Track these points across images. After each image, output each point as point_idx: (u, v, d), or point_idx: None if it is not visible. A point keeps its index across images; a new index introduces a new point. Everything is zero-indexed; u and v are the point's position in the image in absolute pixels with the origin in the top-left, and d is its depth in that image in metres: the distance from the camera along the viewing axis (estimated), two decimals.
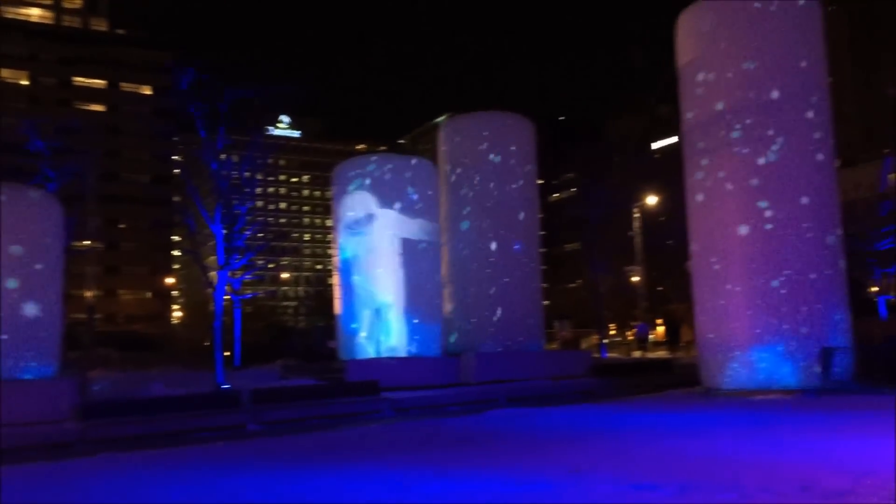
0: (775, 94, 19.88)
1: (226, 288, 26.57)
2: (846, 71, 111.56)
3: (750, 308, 19.50)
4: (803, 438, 10.99)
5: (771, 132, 19.76)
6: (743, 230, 19.81)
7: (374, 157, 27.23)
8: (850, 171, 69.08)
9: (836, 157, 21.35)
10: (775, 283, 19.35)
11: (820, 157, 20.11)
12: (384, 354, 25.01)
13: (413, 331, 25.47)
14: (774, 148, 19.75)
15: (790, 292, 19.27)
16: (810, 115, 20.06)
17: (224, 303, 26.52)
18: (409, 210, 25.99)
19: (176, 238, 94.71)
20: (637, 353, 44.39)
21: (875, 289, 37.83)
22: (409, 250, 25.76)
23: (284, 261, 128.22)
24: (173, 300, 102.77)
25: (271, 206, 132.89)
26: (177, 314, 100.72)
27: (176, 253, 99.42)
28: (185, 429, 16.13)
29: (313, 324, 70.27)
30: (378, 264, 25.52)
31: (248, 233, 27.83)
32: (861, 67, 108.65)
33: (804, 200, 19.64)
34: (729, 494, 7.24)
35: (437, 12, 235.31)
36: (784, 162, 19.68)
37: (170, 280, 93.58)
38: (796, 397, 17.82)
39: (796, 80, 20.04)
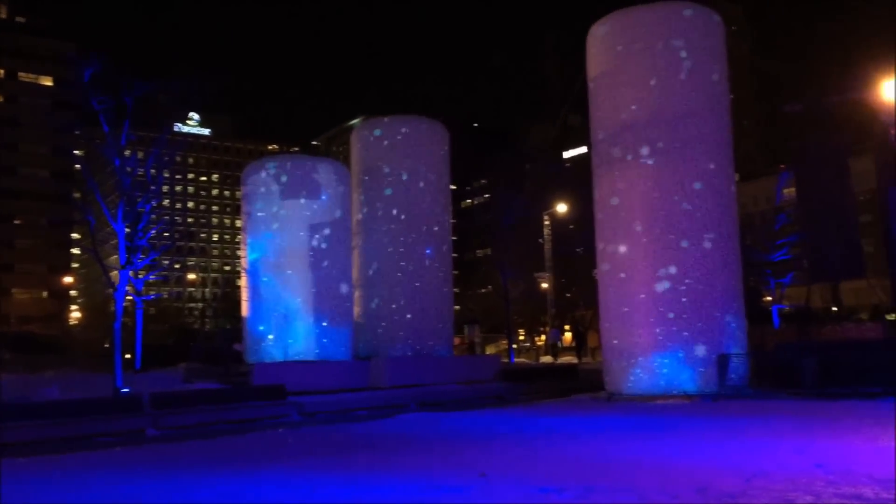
0: (679, 109, 20.57)
1: (127, 288, 25.71)
2: (746, 87, 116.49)
3: (653, 315, 20.09)
4: (700, 442, 11.38)
5: (675, 145, 20.43)
6: (647, 240, 20.39)
7: (285, 158, 26.85)
8: (748, 185, 72.17)
9: (736, 170, 22.24)
10: (677, 292, 20.00)
11: (721, 169, 20.90)
12: (292, 358, 24.65)
13: (322, 334, 25.21)
14: (678, 160, 20.42)
15: (691, 300, 19.94)
16: (712, 129, 20.83)
17: (126, 304, 25.65)
18: (319, 212, 25.73)
19: (76, 236, 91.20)
20: (547, 359, 45.12)
21: (769, 298, 39.56)
22: (319, 253, 25.51)
23: (191, 261, 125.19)
24: (71, 300, 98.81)
25: (178, 205, 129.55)
26: (75, 315, 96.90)
27: (75, 251, 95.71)
28: (81, 434, 15.50)
29: (219, 326, 68.75)
30: (287, 266, 25.18)
31: (152, 232, 27.04)
32: (760, 84, 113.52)
33: (706, 212, 20.36)
34: (628, 496, 7.43)
35: (354, 14, 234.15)
36: (687, 174, 20.37)
37: (68, 279, 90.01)
38: (695, 402, 18.45)
39: (700, 95, 20.78)
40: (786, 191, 45.10)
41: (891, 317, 28.00)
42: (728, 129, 21.53)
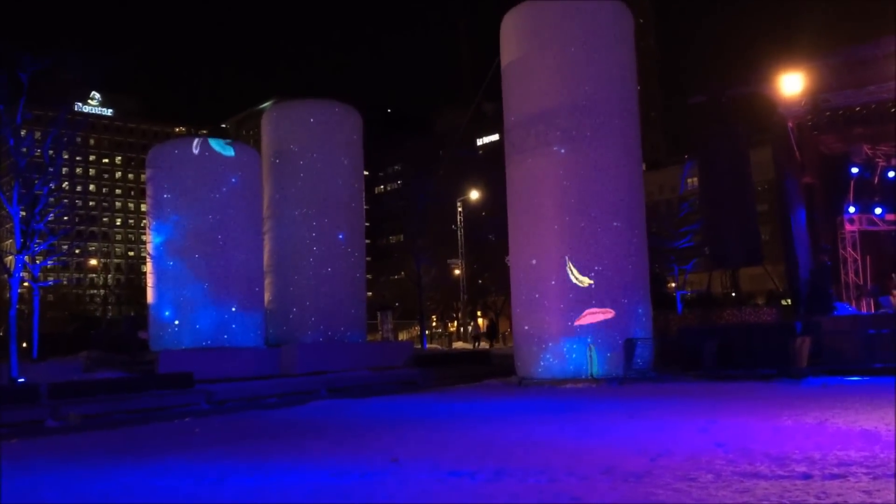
0: (589, 98, 20.95)
1: (23, 274, 24.54)
2: (653, 79, 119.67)
3: (563, 301, 20.46)
4: (607, 423, 11.67)
5: (586, 134, 20.80)
6: (558, 227, 20.73)
7: (193, 140, 26.06)
8: (654, 174, 74.27)
9: (643, 160, 22.83)
10: (587, 278, 20.41)
11: (629, 159, 21.42)
12: (200, 345, 24.07)
13: (231, 320, 24.70)
14: (588, 149, 20.81)
15: (599, 287, 20.40)
16: (621, 119, 21.31)
17: (22, 290, 24.49)
18: (228, 196, 25.16)
19: None
20: (470, 347, 45.58)
21: (673, 284, 40.84)
22: (228, 237, 24.95)
23: (92, 246, 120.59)
24: None
25: (78, 188, 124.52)
26: None
27: None
28: None
29: (123, 313, 66.51)
30: (194, 250, 24.55)
31: (50, 216, 25.83)
32: (666, 76, 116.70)
33: (614, 200, 20.83)
34: (539, 478, 7.54)
35: None
36: (597, 162, 20.79)
37: None
38: (602, 385, 18.92)
39: (609, 86, 21.21)
40: (689, 180, 46.64)
41: (785, 302, 29.31)
42: (636, 119, 22.06)
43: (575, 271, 20.36)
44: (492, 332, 45.60)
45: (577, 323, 20.23)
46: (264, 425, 13.85)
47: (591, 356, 19.88)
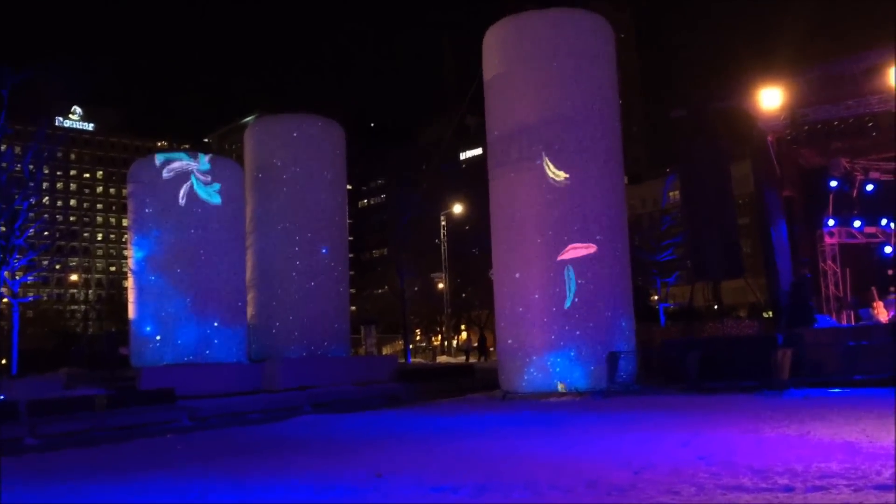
0: (571, 112, 21.08)
1: (2, 290, 24.32)
2: (634, 93, 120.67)
3: (546, 315, 20.49)
4: (590, 437, 11.68)
5: (568, 147, 20.92)
6: (541, 240, 20.79)
7: (175, 154, 25.94)
8: (636, 188, 74.74)
9: (625, 173, 22.97)
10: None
11: (611, 172, 21.55)
12: (182, 360, 23.88)
13: (213, 335, 24.53)
14: (570, 163, 20.91)
15: (582, 301, 20.46)
16: (603, 133, 21.45)
17: (0, 306, 24.25)
18: (211, 210, 25.04)
19: None
20: (454, 360, 45.61)
21: (656, 297, 41.05)
22: (210, 252, 24.82)
23: (73, 262, 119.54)
24: None
25: (59, 203, 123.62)
26: None
27: None
28: None
29: (104, 329, 65.95)
30: (176, 265, 24.38)
31: (30, 231, 25.66)
32: (647, 90, 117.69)
33: (597, 214, 20.93)
34: (522, 493, 7.53)
35: (250, 9, 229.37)
36: (579, 176, 20.90)
37: None
38: (586, 399, 18.93)
39: (591, 100, 21.37)
40: (671, 193, 47.00)
41: (766, 314, 29.48)
42: (618, 132, 22.21)
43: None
44: (482, 346, 45.65)
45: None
46: (247, 441, 13.75)
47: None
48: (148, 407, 18.66)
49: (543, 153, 20.84)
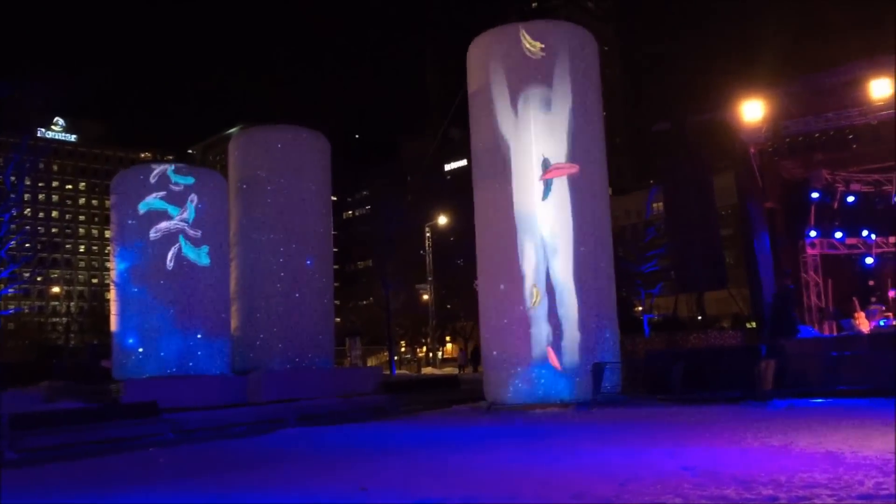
0: (555, 124, 21.14)
1: None
2: (618, 105, 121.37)
3: (532, 327, 20.50)
4: (576, 448, 11.68)
5: (553, 159, 20.98)
6: (527, 251, 20.82)
7: (158, 166, 25.84)
8: (620, 199, 75.08)
9: (609, 184, 23.09)
10: (555, 303, 20.48)
11: (595, 184, 21.63)
12: (165, 373, 23.70)
13: (197, 347, 24.37)
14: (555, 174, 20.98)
15: (567, 312, 20.48)
16: (588, 144, 21.53)
17: None
18: (194, 221, 24.92)
19: None
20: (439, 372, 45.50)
21: (640, 308, 41.21)
22: (193, 263, 24.69)
23: (55, 274, 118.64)
24: None
25: (41, 215, 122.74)
26: None
27: None
28: None
29: (86, 342, 65.37)
30: (159, 277, 24.22)
31: (11, 243, 25.46)
32: (631, 102, 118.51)
33: (582, 225, 20.99)
34: None
35: (233, 20, 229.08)
36: (564, 188, 20.95)
37: None
38: (571, 410, 18.94)
39: (575, 111, 21.45)
40: (655, 205, 47.24)
41: (750, 325, 29.67)
42: (602, 144, 22.32)
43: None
44: (475, 358, 45.61)
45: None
46: (231, 455, 13.65)
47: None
48: (131, 420, 18.46)
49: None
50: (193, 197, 24.82)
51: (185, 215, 24.59)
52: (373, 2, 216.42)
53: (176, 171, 24.93)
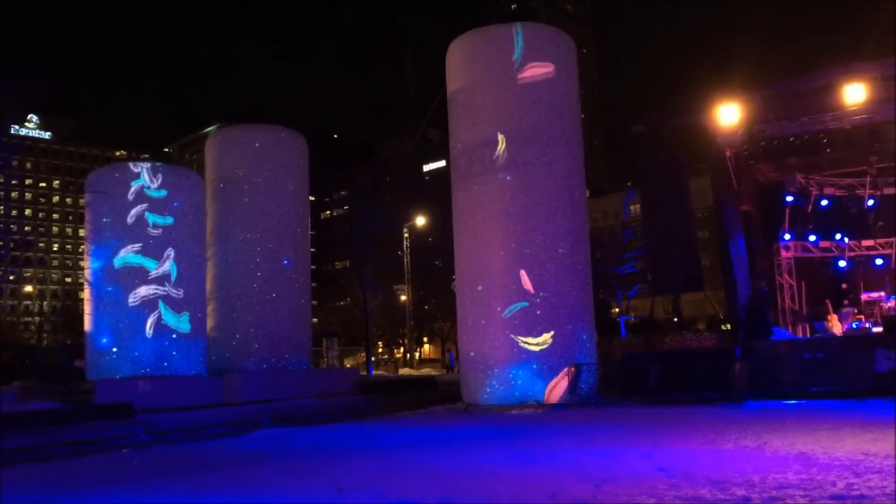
0: (533, 126, 21.23)
1: None
2: (596, 107, 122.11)
3: (509, 328, 20.55)
4: (552, 449, 11.71)
5: (531, 161, 21.06)
6: (504, 253, 20.87)
7: (134, 164, 25.59)
8: (598, 201, 75.50)
9: (587, 187, 23.19)
10: (532, 305, 20.55)
11: (573, 185, 21.73)
12: (140, 373, 23.48)
13: (172, 347, 24.16)
14: (533, 176, 21.06)
15: (545, 313, 20.55)
16: (566, 146, 21.64)
17: None
18: (170, 221, 24.70)
19: None
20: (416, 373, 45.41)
21: (617, 309, 41.42)
22: (169, 262, 24.46)
23: (28, 272, 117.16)
24: None
25: (14, 213, 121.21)
26: None
27: None
28: None
29: (59, 341, 64.66)
30: (134, 276, 23.98)
31: None
32: (609, 105, 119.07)
33: (559, 226, 21.08)
34: None
35: (212, 18, 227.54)
36: (542, 189, 21.04)
37: None
38: (547, 411, 18.99)
39: (553, 113, 21.55)
40: (632, 207, 47.50)
41: (725, 327, 29.92)
42: (580, 146, 22.43)
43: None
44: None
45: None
46: (206, 456, 13.54)
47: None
48: (104, 421, 18.29)
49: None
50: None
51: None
52: (352, 2, 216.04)
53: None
